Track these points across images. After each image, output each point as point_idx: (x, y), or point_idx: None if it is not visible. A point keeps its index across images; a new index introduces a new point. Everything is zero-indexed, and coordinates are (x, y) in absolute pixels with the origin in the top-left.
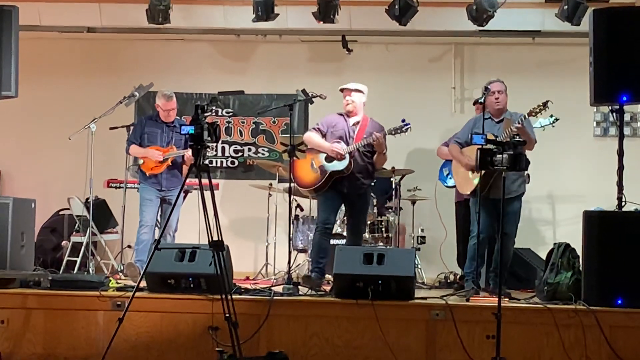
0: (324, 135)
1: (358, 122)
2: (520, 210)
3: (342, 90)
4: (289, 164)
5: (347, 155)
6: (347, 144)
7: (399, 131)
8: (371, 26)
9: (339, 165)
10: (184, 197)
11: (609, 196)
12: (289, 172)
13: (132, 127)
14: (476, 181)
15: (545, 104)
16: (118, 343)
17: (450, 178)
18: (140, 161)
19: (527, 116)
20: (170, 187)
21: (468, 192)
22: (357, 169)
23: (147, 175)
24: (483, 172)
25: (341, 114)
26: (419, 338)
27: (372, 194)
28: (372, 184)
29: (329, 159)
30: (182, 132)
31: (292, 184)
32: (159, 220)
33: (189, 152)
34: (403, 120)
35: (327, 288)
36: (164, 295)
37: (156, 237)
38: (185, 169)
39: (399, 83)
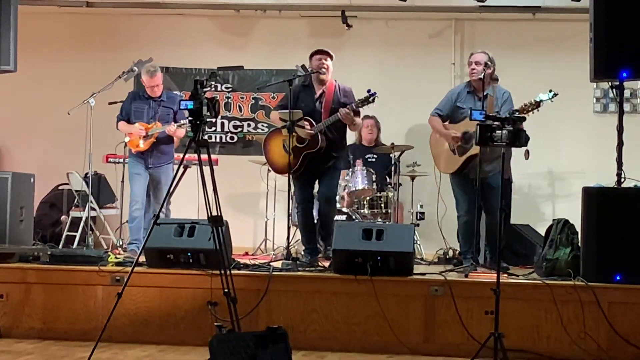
0: None
1: (323, 94)
2: (503, 186)
3: (315, 53)
4: (264, 142)
5: (318, 135)
6: (315, 120)
7: (365, 102)
8: (371, 1)
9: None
10: (183, 173)
11: (609, 172)
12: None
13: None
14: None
15: (538, 105)
16: (117, 318)
17: None
18: (127, 138)
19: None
20: (157, 165)
21: (447, 172)
22: (329, 144)
23: (134, 152)
24: (467, 154)
25: (306, 85)
26: (417, 314)
27: (371, 170)
28: (372, 159)
29: (300, 139)
30: (182, 108)
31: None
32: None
33: (172, 127)
34: (368, 90)
35: (326, 264)
36: (162, 270)
37: (151, 212)
38: (176, 141)
39: (399, 59)
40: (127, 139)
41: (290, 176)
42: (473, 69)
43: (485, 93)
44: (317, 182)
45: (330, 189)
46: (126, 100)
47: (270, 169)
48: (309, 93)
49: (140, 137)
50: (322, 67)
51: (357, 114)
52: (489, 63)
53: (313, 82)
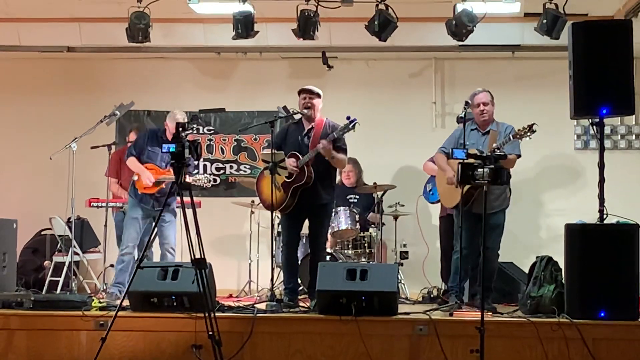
0: (279, 148)
1: (312, 129)
2: (504, 224)
3: (300, 92)
4: (256, 182)
5: (304, 168)
6: (302, 154)
7: (346, 130)
8: (351, 42)
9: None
10: (174, 217)
11: (591, 209)
12: (260, 189)
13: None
14: (458, 195)
15: (531, 127)
16: None
17: (433, 194)
18: (135, 177)
19: (512, 138)
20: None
21: (452, 206)
22: (317, 177)
23: (140, 192)
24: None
25: (295, 123)
26: (402, 353)
27: (354, 210)
28: (354, 199)
29: (289, 174)
30: (163, 151)
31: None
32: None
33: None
34: (348, 117)
35: (308, 304)
36: (146, 314)
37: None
38: None
39: (380, 99)
40: (135, 177)
41: (279, 215)
42: (483, 110)
43: (488, 129)
44: (306, 221)
45: (320, 236)
46: (142, 136)
47: (261, 206)
48: (297, 129)
49: (147, 184)
50: (306, 104)
51: (341, 151)
52: (493, 100)
53: (303, 119)
